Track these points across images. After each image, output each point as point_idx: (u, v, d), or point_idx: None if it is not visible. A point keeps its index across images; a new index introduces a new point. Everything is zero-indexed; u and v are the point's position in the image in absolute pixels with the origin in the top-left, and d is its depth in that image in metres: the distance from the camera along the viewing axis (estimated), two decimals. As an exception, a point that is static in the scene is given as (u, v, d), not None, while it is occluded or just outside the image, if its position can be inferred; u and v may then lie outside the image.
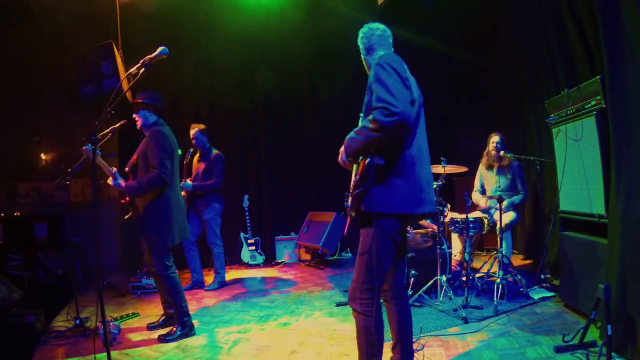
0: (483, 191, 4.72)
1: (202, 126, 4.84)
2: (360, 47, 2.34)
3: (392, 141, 2.01)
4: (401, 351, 2.28)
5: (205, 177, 4.74)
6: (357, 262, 2.13)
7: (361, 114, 2.25)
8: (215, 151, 4.84)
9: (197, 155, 4.90)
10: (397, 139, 2.03)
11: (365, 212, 2.04)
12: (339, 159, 2.16)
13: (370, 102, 2.04)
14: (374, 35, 2.30)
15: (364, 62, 2.38)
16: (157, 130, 3.29)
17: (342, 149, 2.12)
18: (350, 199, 2.12)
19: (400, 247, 2.18)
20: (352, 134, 2.05)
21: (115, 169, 3.22)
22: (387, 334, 2.40)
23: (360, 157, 2.07)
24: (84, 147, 3.01)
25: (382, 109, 1.88)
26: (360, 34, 2.34)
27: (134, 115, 3.37)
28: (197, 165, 4.85)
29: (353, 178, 2.12)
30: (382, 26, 2.34)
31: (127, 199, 3.33)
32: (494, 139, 4.51)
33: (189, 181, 4.69)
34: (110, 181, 3.24)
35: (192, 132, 4.78)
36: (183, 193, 4.62)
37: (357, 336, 2.15)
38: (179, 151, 3.49)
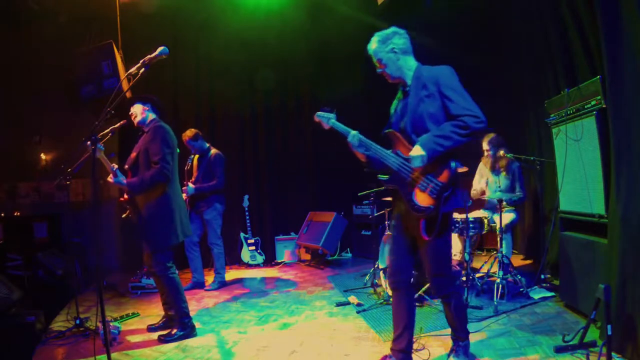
0: (481, 192, 4.70)
1: (190, 133, 4.73)
2: (392, 46, 2.34)
3: None
4: (407, 339, 2.43)
5: (207, 178, 4.73)
6: (434, 255, 2.34)
7: (392, 115, 2.48)
8: (214, 151, 4.83)
9: (197, 156, 4.89)
10: None
11: (446, 212, 2.25)
12: (418, 161, 2.20)
13: (433, 108, 2.25)
14: (408, 40, 2.41)
15: (388, 62, 2.37)
16: (159, 126, 3.29)
17: (416, 151, 2.18)
18: (425, 201, 2.23)
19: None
20: (434, 138, 2.17)
21: (116, 166, 3.20)
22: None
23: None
24: (88, 143, 2.99)
25: (473, 117, 2.15)
26: (398, 35, 2.37)
27: (131, 111, 3.36)
28: (198, 166, 4.84)
29: (427, 181, 2.24)
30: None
31: (126, 197, 3.31)
32: (484, 146, 4.48)
33: (190, 184, 4.69)
34: (110, 178, 3.22)
35: (184, 140, 4.71)
36: (184, 196, 4.62)
37: (455, 316, 2.49)
38: (177, 150, 3.49)
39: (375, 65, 2.43)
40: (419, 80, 2.33)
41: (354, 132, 2.42)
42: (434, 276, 2.39)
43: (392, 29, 2.39)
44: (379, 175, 2.45)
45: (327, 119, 2.51)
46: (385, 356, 2.52)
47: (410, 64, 2.39)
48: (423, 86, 2.30)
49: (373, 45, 2.38)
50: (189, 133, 4.75)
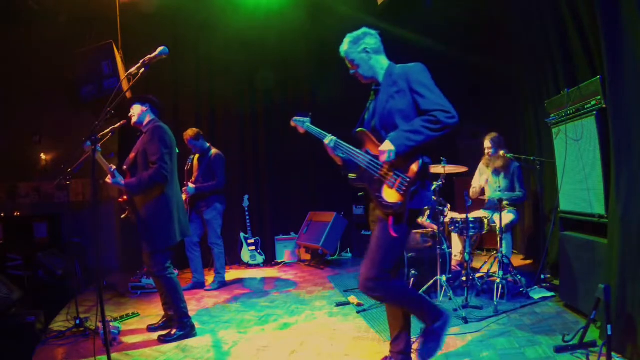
0: (480, 191, 4.70)
1: (192, 132, 4.73)
2: (364, 46, 2.35)
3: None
4: (405, 340, 2.41)
5: (207, 178, 4.73)
6: (375, 253, 2.25)
7: (366, 115, 2.43)
8: (214, 151, 4.83)
9: (198, 156, 4.89)
10: None
11: (412, 210, 2.21)
12: (385, 156, 2.15)
13: (403, 105, 2.22)
14: (379, 40, 2.40)
15: (360, 62, 2.37)
16: (157, 126, 3.28)
17: (386, 146, 2.15)
18: (392, 199, 2.19)
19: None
20: (404, 133, 2.14)
21: (114, 167, 3.20)
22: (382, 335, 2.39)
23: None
24: (86, 143, 2.99)
25: (443, 111, 2.11)
26: (370, 35, 2.38)
27: (130, 112, 3.37)
28: (198, 166, 4.83)
29: (394, 177, 2.19)
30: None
31: (125, 197, 3.31)
32: (486, 144, 4.50)
33: (191, 184, 4.69)
34: (109, 179, 3.22)
35: (185, 140, 4.72)
36: (185, 197, 4.62)
37: (397, 311, 2.38)
38: (176, 149, 3.48)
39: (347, 66, 2.43)
40: (390, 78, 2.32)
41: (331, 137, 2.43)
42: (363, 274, 2.26)
43: (363, 29, 2.40)
44: (349, 175, 2.44)
45: (302, 122, 2.58)
46: (386, 357, 2.52)
47: (382, 63, 2.39)
48: (393, 83, 2.28)
49: (345, 46, 2.38)
50: (190, 132, 4.75)
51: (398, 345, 2.41)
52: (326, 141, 2.44)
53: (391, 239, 2.21)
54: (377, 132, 2.32)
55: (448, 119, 2.11)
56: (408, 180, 2.15)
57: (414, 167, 2.15)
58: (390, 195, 2.21)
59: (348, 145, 2.40)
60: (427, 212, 3.99)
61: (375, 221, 2.36)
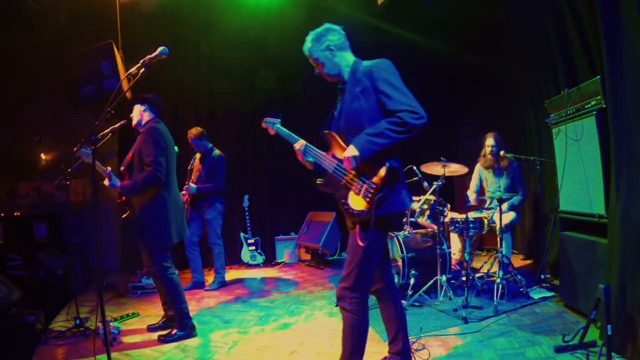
0: (480, 191, 4.70)
1: (196, 132, 4.74)
2: (327, 44, 2.24)
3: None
4: (403, 341, 2.39)
5: (208, 178, 4.74)
6: (350, 262, 2.14)
7: (335, 114, 2.30)
8: (217, 152, 4.84)
9: (199, 156, 4.89)
10: None
11: (379, 217, 2.06)
12: (349, 163, 2.07)
13: (367, 105, 2.11)
14: (344, 36, 2.30)
15: (324, 61, 2.26)
16: (152, 127, 3.27)
17: (350, 151, 2.05)
18: (358, 207, 2.08)
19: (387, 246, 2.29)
20: (367, 137, 2.03)
21: (109, 169, 3.20)
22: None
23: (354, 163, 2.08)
24: (75, 149, 2.97)
25: (410, 112, 1.99)
26: (332, 31, 2.27)
27: (132, 113, 3.38)
28: (199, 166, 4.83)
29: (360, 183, 2.09)
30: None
31: (124, 198, 3.31)
32: (489, 141, 4.48)
33: (192, 184, 4.69)
34: (106, 182, 3.22)
35: (189, 138, 4.73)
36: (185, 195, 4.62)
37: (343, 334, 2.20)
38: (176, 148, 3.48)
39: (312, 65, 2.33)
40: (354, 76, 2.20)
41: (301, 141, 2.35)
42: (340, 282, 2.18)
43: (326, 25, 2.29)
44: (317, 180, 2.33)
45: (272, 124, 2.49)
46: (385, 357, 2.52)
47: (347, 60, 2.27)
48: (357, 82, 2.16)
49: (307, 45, 2.28)
50: (194, 131, 4.76)
51: (396, 345, 2.40)
52: (296, 146, 2.34)
53: (362, 249, 2.08)
54: (344, 134, 2.21)
55: (415, 120, 1.98)
56: (374, 186, 2.03)
57: (381, 172, 2.03)
58: (356, 202, 2.10)
59: (317, 150, 2.31)
60: (427, 212, 3.99)
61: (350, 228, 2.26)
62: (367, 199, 2.05)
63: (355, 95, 2.16)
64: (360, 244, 2.08)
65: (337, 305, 2.23)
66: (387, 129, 2.00)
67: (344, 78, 2.27)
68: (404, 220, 4.20)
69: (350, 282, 2.12)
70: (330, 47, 2.23)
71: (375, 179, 2.04)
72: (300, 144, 2.34)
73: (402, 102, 2.02)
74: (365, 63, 2.21)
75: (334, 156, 2.25)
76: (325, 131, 2.30)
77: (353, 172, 2.13)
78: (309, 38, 2.28)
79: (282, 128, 2.47)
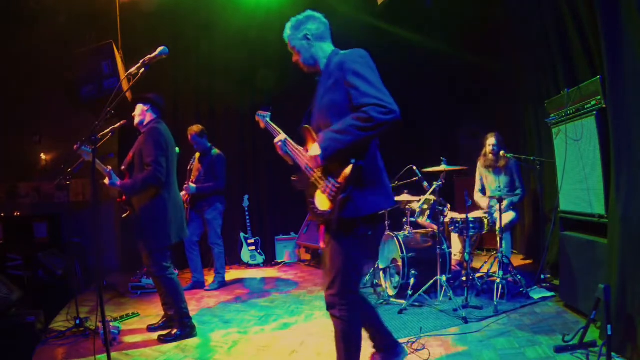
0: (484, 191, 4.72)
1: (197, 129, 4.74)
2: (305, 32, 2.13)
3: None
4: (380, 337, 2.37)
5: (208, 178, 4.73)
6: (331, 267, 2.02)
7: (315, 110, 2.17)
8: (216, 151, 4.83)
9: (198, 155, 4.89)
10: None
11: (345, 218, 1.93)
12: (313, 162, 1.96)
13: (338, 99, 1.97)
14: (324, 25, 2.18)
15: (301, 50, 2.15)
16: (154, 127, 3.28)
17: (313, 150, 1.95)
18: (323, 207, 1.99)
19: (371, 247, 2.22)
20: (331, 134, 1.90)
21: (110, 168, 3.20)
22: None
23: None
24: (75, 147, 2.98)
25: (377, 106, 1.82)
26: (313, 19, 2.15)
27: (134, 112, 3.39)
28: (199, 166, 4.83)
29: (326, 182, 1.99)
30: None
31: (124, 197, 3.32)
32: (491, 141, 4.50)
33: (192, 184, 4.69)
34: (106, 181, 3.23)
35: (189, 136, 4.73)
36: (185, 195, 4.62)
37: (336, 341, 2.11)
38: (177, 149, 3.48)
39: (291, 53, 2.21)
40: (327, 69, 2.08)
41: (282, 136, 2.27)
42: (325, 289, 2.07)
43: (307, 12, 2.17)
44: (292, 177, 2.26)
45: (263, 117, 2.45)
46: (373, 354, 2.50)
47: (325, 50, 2.14)
48: (330, 74, 2.03)
49: (286, 31, 2.17)
50: (196, 128, 4.75)
51: (379, 342, 2.40)
52: (275, 140, 2.26)
53: (339, 254, 1.97)
54: (316, 129, 2.09)
55: (382, 115, 1.81)
56: (337, 186, 1.91)
57: (346, 172, 1.88)
58: (322, 202, 2.00)
59: (294, 145, 2.22)
60: (427, 212, 3.99)
61: None
62: (331, 199, 1.94)
63: (327, 89, 2.04)
64: (322, 245, 2.00)
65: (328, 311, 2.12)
66: (351, 125, 1.85)
67: (320, 70, 2.16)
68: (404, 220, 4.21)
69: (336, 289, 2.01)
70: (307, 36, 2.12)
71: (340, 178, 1.91)
72: (279, 138, 2.26)
73: (369, 96, 1.85)
74: (341, 53, 2.08)
75: (307, 151, 2.12)
76: (304, 125, 2.18)
77: (320, 170, 2.03)
78: (289, 25, 2.18)
79: (270, 122, 2.42)
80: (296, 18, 2.17)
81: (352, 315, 2.04)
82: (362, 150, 1.95)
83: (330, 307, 2.07)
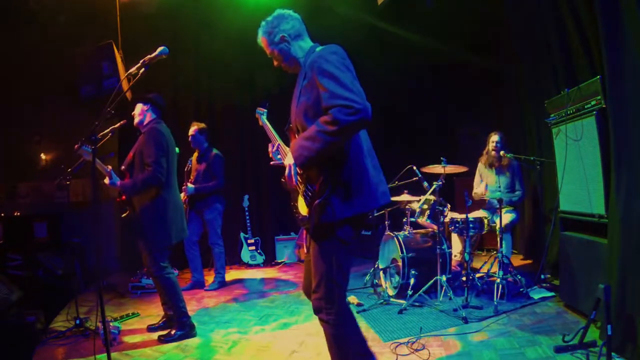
0: (485, 186, 4.70)
1: (202, 125, 4.78)
2: (281, 34, 2.03)
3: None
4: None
5: (206, 178, 4.73)
6: (316, 271, 1.96)
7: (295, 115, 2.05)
8: (214, 151, 4.83)
9: (196, 155, 4.89)
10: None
11: (325, 223, 1.87)
12: (287, 174, 1.89)
13: (311, 100, 1.88)
14: (298, 21, 2.09)
15: (281, 54, 2.06)
16: (154, 127, 3.28)
17: (288, 162, 1.88)
18: (303, 212, 1.96)
19: (356, 249, 2.12)
20: (301, 141, 1.81)
21: (110, 167, 3.21)
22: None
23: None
24: (76, 147, 2.99)
25: (342, 107, 1.70)
26: (285, 19, 2.05)
27: (133, 111, 3.39)
28: (197, 166, 4.83)
29: (304, 188, 1.95)
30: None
31: (124, 197, 3.32)
32: (494, 138, 4.52)
33: (190, 184, 4.69)
34: (106, 181, 3.23)
35: (191, 130, 4.74)
36: (184, 196, 4.61)
37: (327, 345, 2.04)
38: (177, 149, 3.48)
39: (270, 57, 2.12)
40: (303, 68, 1.98)
41: (276, 143, 2.22)
42: (312, 293, 2.02)
43: (276, 12, 2.07)
44: (282, 179, 2.14)
45: (261, 114, 2.40)
46: None
47: (304, 48, 2.05)
48: (305, 74, 1.94)
49: (260, 36, 2.08)
50: (200, 125, 4.77)
51: None
52: (270, 151, 2.23)
53: (321, 257, 1.93)
54: (296, 130, 2.02)
55: (347, 117, 1.68)
56: (313, 191, 1.87)
57: (321, 177, 1.84)
58: (302, 206, 1.97)
59: (284, 148, 2.16)
60: (427, 212, 3.99)
61: None
62: (307, 204, 1.91)
63: (302, 89, 1.94)
64: (305, 251, 1.93)
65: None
66: (318, 131, 1.74)
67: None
68: (404, 220, 4.21)
69: (322, 292, 1.95)
70: (285, 37, 2.03)
71: (317, 184, 1.86)
72: (274, 147, 2.22)
73: (336, 97, 1.72)
74: (317, 50, 1.96)
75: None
76: (290, 125, 2.09)
77: (300, 176, 1.96)
78: (261, 30, 2.07)
79: (266, 122, 2.36)
80: (266, 21, 2.08)
81: (340, 318, 1.97)
82: (339, 152, 1.86)
83: (317, 311, 2.00)
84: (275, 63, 2.12)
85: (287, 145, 2.15)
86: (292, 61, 2.06)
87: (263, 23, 2.08)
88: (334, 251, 1.93)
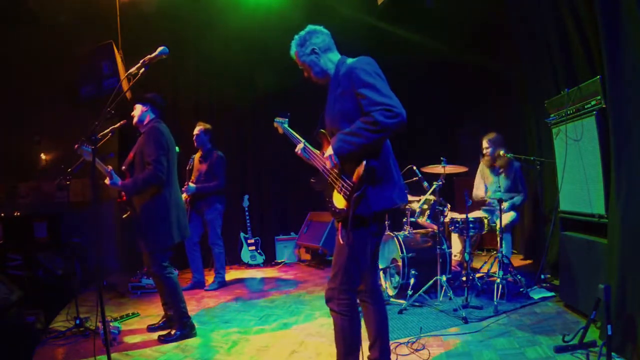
0: (484, 189, 4.71)
1: (207, 126, 4.83)
2: (312, 47, 2.24)
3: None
4: (379, 349, 2.31)
5: (208, 178, 4.74)
6: (335, 263, 2.16)
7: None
8: (217, 152, 4.85)
9: (199, 155, 4.90)
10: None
11: (360, 215, 2.06)
12: (329, 162, 2.10)
13: (346, 107, 2.10)
14: (328, 36, 2.29)
15: (310, 65, 2.27)
16: (154, 127, 3.29)
17: (329, 151, 2.10)
18: (340, 205, 2.12)
19: (376, 246, 2.30)
20: (343, 136, 2.04)
21: (110, 167, 3.20)
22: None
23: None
24: (76, 147, 2.99)
25: (384, 110, 1.94)
26: (316, 34, 2.26)
27: (132, 112, 3.38)
28: (199, 166, 4.84)
29: (341, 182, 2.12)
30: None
31: (124, 197, 3.32)
32: (484, 144, 4.54)
33: (191, 184, 4.70)
34: (107, 181, 3.22)
35: (196, 129, 4.78)
36: (185, 196, 4.62)
37: (335, 335, 2.20)
38: (177, 149, 3.48)
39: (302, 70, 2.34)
40: (335, 78, 2.20)
41: (303, 143, 2.39)
42: (328, 283, 2.19)
43: (309, 27, 2.28)
44: (311, 179, 2.38)
45: (281, 123, 2.55)
46: None
47: (333, 60, 2.26)
48: (338, 84, 2.16)
49: (293, 49, 2.29)
50: (206, 125, 4.81)
51: (374, 352, 2.32)
52: (296, 150, 2.39)
53: (346, 249, 2.09)
54: (329, 135, 2.23)
55: (388, 119, 1.92)
56: (351, 184, 2.05)
57: (359, 170, 2.02)
58: (338, 200, 2.14)
59: (312, 149, 2.36)
60: (427, 212, 3.99)
61: None
62: (346, 197, 2.08)
63: (336, 97, 2.16)
64: (341, 241, 2.11)
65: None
66: (360, 128, 1.99)
67: (330, 78, 2.27)
68: (404, 220, 4.21)
69: (337, 283, 2.13)
70: (315, 50, 2.24)
71: (354, 178, 2.05)
72: (299, 147, 2.39)
73: (376, 102, 1.97)
74: (348, 62, 2.18)
75: (323, 154, 2.25)
76: (320, 130, 2.30)
77: (336, 170, 2.16)
78: (294, 43, 2.29)
79: (288, 128, 2.53)
80: (299, 35, 2.28)
81: (350, 310, 2.14)
82: (375, 151, 2.07)
83: (328, 300, 2.17)
84: (305, 74, 2.34)
85: (315, 147, 2.37)
86: (320, 73, 2.27)
87: (296, 37, 2.29)
88: (360, 244, 2.12)
